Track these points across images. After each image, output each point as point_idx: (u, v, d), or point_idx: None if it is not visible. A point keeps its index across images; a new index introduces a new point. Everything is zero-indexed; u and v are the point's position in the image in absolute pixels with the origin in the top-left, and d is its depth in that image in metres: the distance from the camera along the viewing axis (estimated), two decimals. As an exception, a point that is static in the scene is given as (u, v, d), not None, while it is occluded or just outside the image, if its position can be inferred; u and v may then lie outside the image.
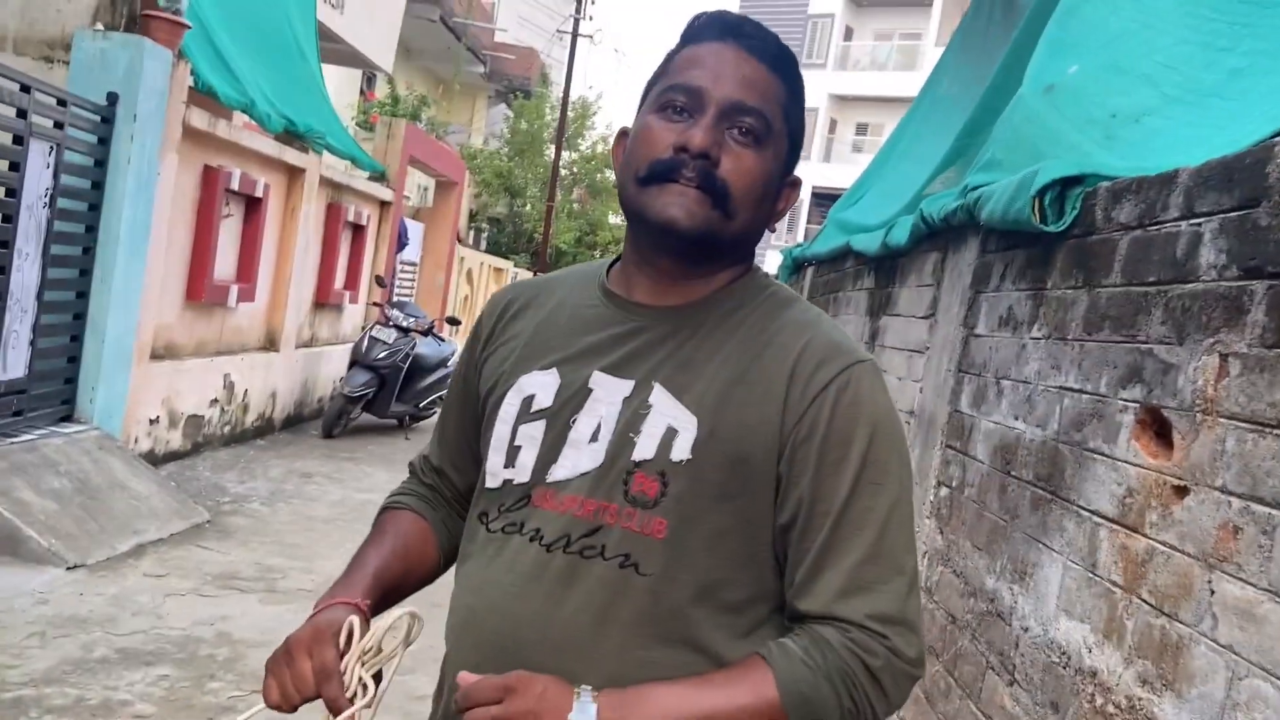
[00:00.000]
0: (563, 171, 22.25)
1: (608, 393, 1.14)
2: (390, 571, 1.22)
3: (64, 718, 3.34)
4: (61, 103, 5.42)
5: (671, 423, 1.10)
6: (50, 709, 3.38)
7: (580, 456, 1.13)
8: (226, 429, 7.88)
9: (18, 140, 4.99)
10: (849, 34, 38.90)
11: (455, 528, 1.32)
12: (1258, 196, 1.42)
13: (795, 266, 5.81)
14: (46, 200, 5.36)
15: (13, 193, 5.02)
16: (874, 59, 37.54)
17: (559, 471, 1.14)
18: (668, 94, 1.14)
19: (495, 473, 1.20)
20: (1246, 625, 1.33)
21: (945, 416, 2.68)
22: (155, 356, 6.85)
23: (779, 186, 1.19)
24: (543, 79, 24.63)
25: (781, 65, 1.17)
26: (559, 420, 1.15)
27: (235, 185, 7.43)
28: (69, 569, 4.73)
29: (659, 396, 1.12)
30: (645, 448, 1.10)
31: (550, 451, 1.15)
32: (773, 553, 1.12)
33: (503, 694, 1.01)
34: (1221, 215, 1.52)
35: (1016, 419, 2.19)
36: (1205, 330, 1.53)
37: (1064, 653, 1.81)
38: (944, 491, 2.61)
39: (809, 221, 32.51)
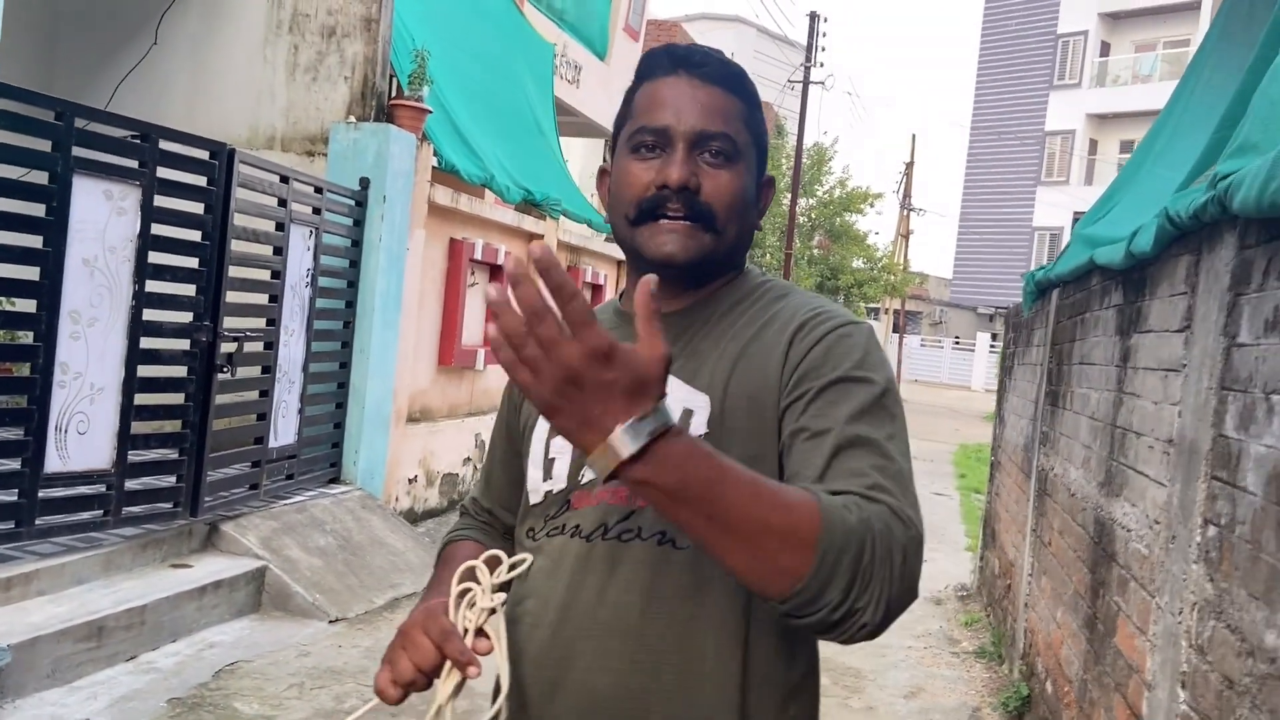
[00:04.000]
0: (800, 219, 22.08)
1: None
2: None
3: (315, 765, 3.51)
4: (318, 190, 5.92)
5: (686, 404, 1.17)
6: (303, 757, 3.56)
7: None
8: (480, 487, 8.23)
9: (279, 227, 5.48)
10: (1105, 49, 36.59)
11: (514, 554, 1.38)
12: None
13: (1039, 291, 5.37)
14: (308, 280, 5.85)
15: (277, 275, 5.50)
16: (1136, 72, 35.01)
17: (590, 472, 1.18)
18: (637, 136, 1.22)
19: (536, 488, 1.27)
20: None
21: (1209, 443, 2.31)
22: (411, 419, 7.28)
23: (757, 192, 1.28)
24: (778, 131, 24.68)
25: (733, 83, 1.24)
26: None
27: (479, 255, 7.84)
28: (330, 622, 5.04)
29: (673, 385, 1.12)
30: None
31: (581, 456, 1.16)
32: None
33: (602, 345, 0.87)
34: None
35: (1289, 440, 1.84)
36: None
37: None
38: (1211, 531, 2.23)
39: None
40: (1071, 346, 4.38)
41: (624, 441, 0.88)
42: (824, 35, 21.94)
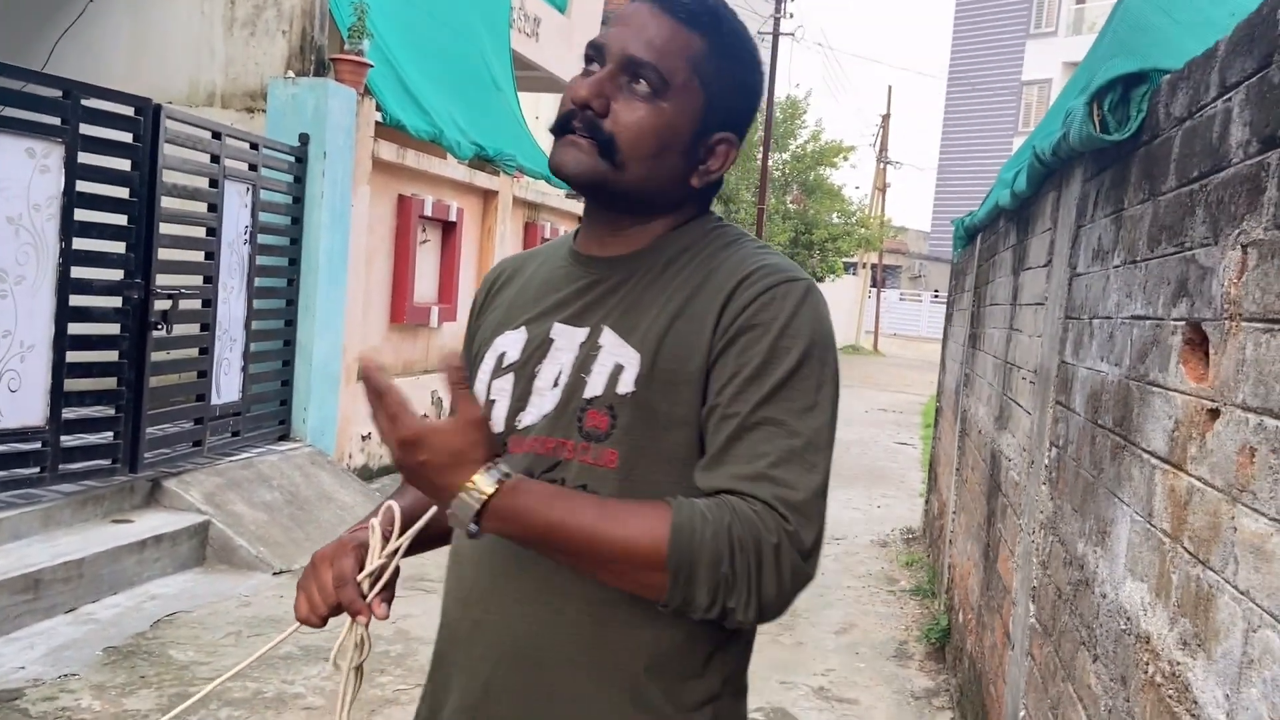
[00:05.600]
0: (775, 173, 22.05)
1: (567, 341, 1.21)
2: (415, 512, 1.26)
3: (240, 710, 3.61)
4: (254, 146, 5.92)
5: (618, 360, 1.16)
6: (229, 701, 3.65)
7: (543, 401, 1.20)
8: (437, 443, 8.30)
9: (214, 184, 5.49)
10: (1081, -4, 36.43)
11: None
12: (1272, 51, 1.16)
13: (968, 236, 5.45)
14: (247, 237, 5.87)
15: (213, 232, 5.52)
16: (1112, 20, 34.79)
17: (526, 418, 1.21)
18: (587, 49, 1.19)
19: None
20: (1260, 565, 1.08)
21: (1056, 369, 2.40)
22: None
23: (696, 143, 1.19)
24: (750, 84, 24.51)
25: (698, 21, 1.17)
26: (525, 372, 1.23)
27: (429, 211, 7.85)
28: (274, 574, 5.13)
29: (608, 338, 1.18)
30: (595, 385, 1.16)
31: (519, 401, 1.22)
32: None
33: (408, 434, 1.03)
34: (1246, 83, 1.25)
35: (1102, 360, 1.92)
36: (1232, 221, 1.27)
37: (1128, 618, 1.55)
38: (1054, 453, 2.33)
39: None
40: (986, 289, 4.46)
41: (463, 506, 1.03)
42: (794, -14, 21.78)
